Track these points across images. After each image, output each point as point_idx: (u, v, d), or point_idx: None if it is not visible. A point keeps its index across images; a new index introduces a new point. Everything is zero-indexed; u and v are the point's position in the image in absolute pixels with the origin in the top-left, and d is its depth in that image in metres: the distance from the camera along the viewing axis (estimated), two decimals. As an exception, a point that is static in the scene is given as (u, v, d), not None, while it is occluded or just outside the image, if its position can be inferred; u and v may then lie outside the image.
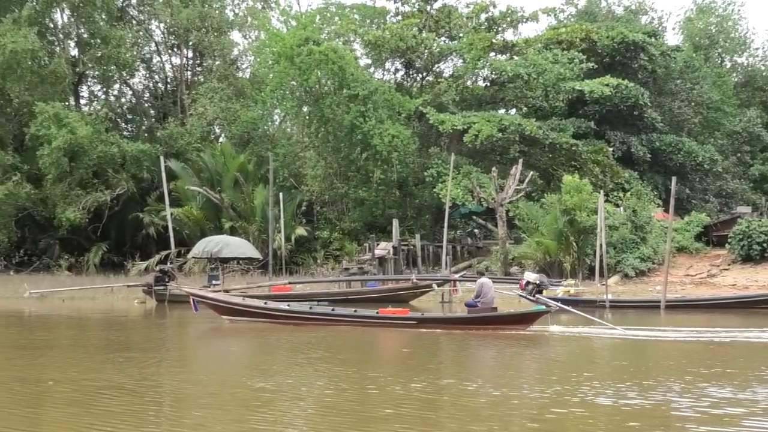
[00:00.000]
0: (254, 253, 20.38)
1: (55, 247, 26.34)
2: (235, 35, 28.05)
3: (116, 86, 28.19)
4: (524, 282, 12.94)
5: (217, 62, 26.74)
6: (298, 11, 25.41)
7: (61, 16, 26.75)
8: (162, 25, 27.29)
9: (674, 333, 10.76)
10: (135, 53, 25.63)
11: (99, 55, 24.70)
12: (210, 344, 10.77)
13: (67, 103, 25.42)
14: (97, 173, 25.24)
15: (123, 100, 28.66)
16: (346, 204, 23.82)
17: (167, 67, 28.73)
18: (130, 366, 8.05)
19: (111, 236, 25.77)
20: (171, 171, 23.41)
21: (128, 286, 21.00)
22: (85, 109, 26.70)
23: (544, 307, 11.66)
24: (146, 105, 28.65)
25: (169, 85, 28.79)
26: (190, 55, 27.91)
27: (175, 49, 27.83)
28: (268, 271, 20.82)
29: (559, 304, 12.73)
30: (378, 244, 21.76)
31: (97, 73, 26.33)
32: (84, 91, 28.10)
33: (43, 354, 9.34)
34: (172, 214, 20.91)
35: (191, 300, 13.87)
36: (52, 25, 26.22)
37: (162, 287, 18.94)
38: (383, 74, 24.56)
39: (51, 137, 23.80)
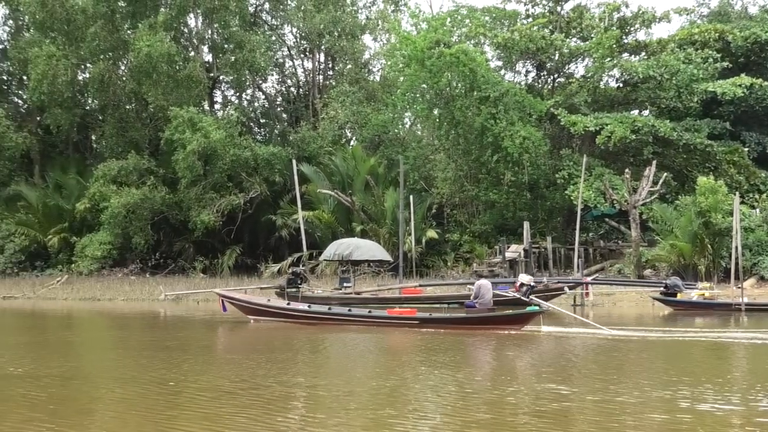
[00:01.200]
0: (385, 256, 25.75)
1: (190, 249, 34.97)
2: (366, 39, 34.72)
3: (249, 91, 36.84)
4: (518, 284, 18.07)
5: (349, 66, 34.43)
6: (429, 14, 31.60)
7: (195, 22, 37.47)
8: (294, 29, 33.69)
9: (665, 334, 14.79)
10: (268, 58, 33.18)
11: (233, 59, 33.41)
12: (336, 345, 13.75)
13: (201, 108, 35.41)
14: (231, 177, 33.80)
15: (256, 104, 37.22)
16: (476, 206, 31.90)
17: (299, 71, 37.50)
18: (261, 367, 10.47)
19: (244, 239, 35.56)
20: (303, 174, 31.82)
21: (261, 288, 26.17)
22: (219, 113, 34.48)
23: (537, 308, 16.13)
24: (279, 109, 36.54)
25: (301, 89, 36.66)
26: (322, 59, 35.54)
27: (308, 54, 34.82)
28: (399, 273, 26.77)
29: (549, 305, 17.33)
30: (509, 247, 27.59)
31: (230, 77, 35.14)
32: (218, 96, 36.87)
33: (176, 354, 12.36)
34: (304, 217, 28.56)
35: (220, 300, 19.46)
36: (186, 31, 35.17)
37: (294, 289, 22.94)
38: (514, 76, 31.13)
39: (186, 141, 31.99)
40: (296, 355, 11.95)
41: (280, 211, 33.55)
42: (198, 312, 22.95)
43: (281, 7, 38.29)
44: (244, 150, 33.09)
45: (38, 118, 40.57)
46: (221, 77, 37.96)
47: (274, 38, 38.68)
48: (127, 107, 37.10)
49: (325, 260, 27.68)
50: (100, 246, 32.66)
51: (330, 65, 39.55)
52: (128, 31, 35.55)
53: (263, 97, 40.68)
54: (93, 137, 41.36)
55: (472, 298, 17.40)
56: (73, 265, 33.19)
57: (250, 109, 39.69)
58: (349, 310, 17.66)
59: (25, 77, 39.94)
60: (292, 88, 40.90)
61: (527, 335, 14.68)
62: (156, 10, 35.09)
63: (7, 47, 41.99)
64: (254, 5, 38.93)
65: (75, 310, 22.90)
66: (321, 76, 39.17)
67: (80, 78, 38.27)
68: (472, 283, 25.11)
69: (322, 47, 37.09)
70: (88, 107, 40.44)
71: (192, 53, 36.82)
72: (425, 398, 8.02)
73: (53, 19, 35.35)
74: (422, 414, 7.26)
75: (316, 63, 38.92)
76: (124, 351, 13.42)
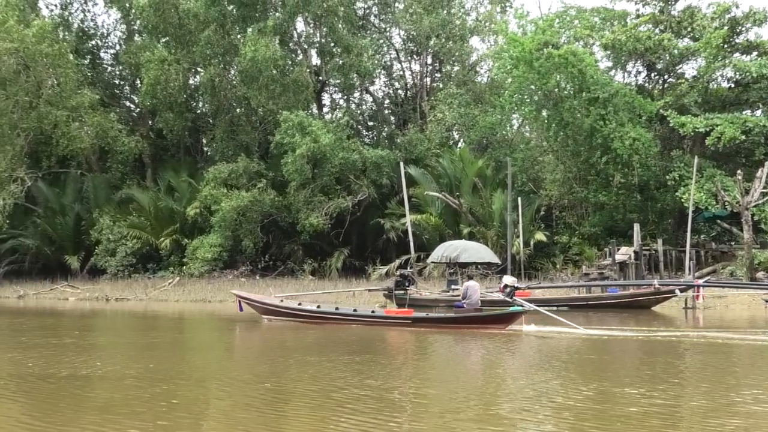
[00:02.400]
0: (493, 258, 30.37)
1: (299, 252, 40.85)
2: (474, 40, 39.83)
3: (357, 94, 41.73)
4: (503, 285, 21.71)
5: (456, 68, 38.90)
6: (537, 15, 36.95)
7: (304, 26, 43.07)
8: (402, 32, 39.35)
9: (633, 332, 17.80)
10: (376, 61, 38.24)
11: (340, 63, 38.07)
12: (441, 348, 15.84)
13: (310, 111, 41.21)
14: (339, 179, 39.53)
15: (364, 107, 41.97)
16: (585, 208, 36.53)
17: (407, 73, 42.48)
18: (370, 369, 12.12)
19: (352, 241, 40.96)
20: (410, 177, 37.12)
21: (369, 290, 30.31)
22: (328, 116, 39.61)
23: (521, 308, 19.58)
24: (386, 111, 42.28)
25: (408, 92, 42.50)
26: (430, 61, 40.49)
27: (415, 56, 40.11)
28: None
29: (532, 305, 20.56)
30: (619, 249, 31.51)
31: (338, 81, 39.74)
32: (326, 99, 41.88)
33: (288, 356, 14.32)
34: (411, 220, 33.73)
35: (237, 301, 23.96)
36: (295, 35, 39.52)
37: (402, 291, 26.73)
38: (624, 76, 34.70)
39: (295, 145, 37.70)
40: (370, 357, 13.84)
41: (387, 213, 38.55)
42: None
43: (389, 10, 43.80)
44: (353, 153, 38.14)
45: (150, 122, 47.63)
46: (329, 81, 43.56)
47: (381, 41, 44.16)
48: (237, 111, 43.08)
49: (432, 262, 32.42)
50: (211, 248, 38.37)
51: (437, 67, 44.83)
52: (238, 36, 41.17)
53: (371, 99, 46.45)
54: (204, 140, 47.78)
55: (460, 299, 21.27)
56: (184, 267, 39.06)
57: (358, 112, 45.26)
58: (354, 311, 21.69)
59: (137, 81, 46.79)
60: (400, 91, 46.56)
61: (517, 335, 17.72)
62: (266, 15, 40.79)
63: (120, 52, 49.07)
64: (362, 9, 44.62)
65: (186, 311, 26.23)
66: (428, 79, 44.60)
67: (191, 82, 44.74)
68: (582, 286, 29.86)
69: (430, 49, 42.38)
70: (199, 111, 47.15)
71: (300, 57, 42.50)
72: (547, 401, 9.34)
73: (165, 23, 41.79)
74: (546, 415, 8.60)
75: (424, 65, 44.40)
76: (231, 352, 16.28)
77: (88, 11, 51.46)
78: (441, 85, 43.00)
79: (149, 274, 40.95)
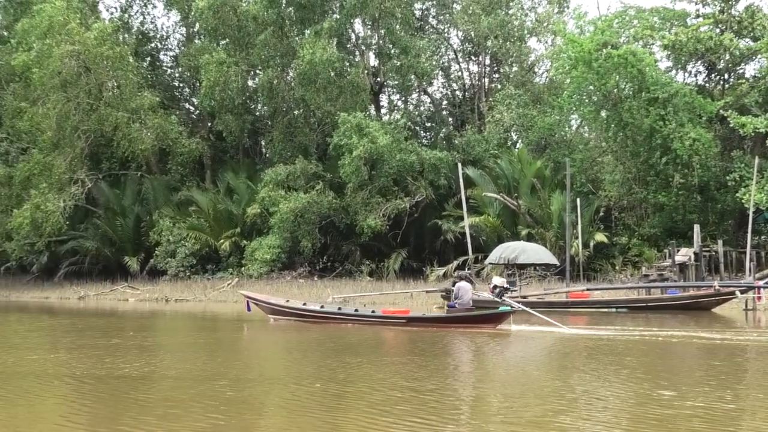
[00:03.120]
0: (551, 260, 31.27)
1: (357, 253, 42.37)
2: (531, 41, 41.15)
3: (415, 95, 42.77)
4: (492, 286, 23.91)
5: (515, 69, 39.86)
6: (596, 15, 38.14)
7: (362, 28, 45.12)
8: (460, 33, 40.88)
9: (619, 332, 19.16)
10: (434, 62, 39.55)
11: (398, 64, 39.57)
12: (496, 350, 16.78)
13: (367, 113, 42.71)
14: (397, 181, 41.13)
15: (422, 108, 43.05)
16: (645, 209, 37.73)
17: (465, 74, 43.60)
18: (413, 370, 12.92)
19: (410, 242, 42.35)
20: (468, 178, 38.56)
21: (427, 291, 31.96)
22: (385, 118, 41.06)
23: (510, 308, 21.28)
24: (444, 113, 43.33)
25: (466, 93, 43.63)
26: (488, 62, 41.43)
27: (473, 57, 41.58)
28: (566, 277, 32.72)
29: (520, 306, 22.49)
30: (678, 250, 32.44)
31: (396, 82, 41.06)
32: (384, 101, 43.39)
33: (329, 357, 15.23)
34: (469, 221, 35.00)
35: (246, 301, 25.71)
36: (353, 37, 41.12)
37: None
38: (684, 77, 35.80)
39: (352, 146, 39.23)
40: (409, 359, 14.81)
41: (445, 215, 39.92)
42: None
43: (447, 11, 45.38)
44: (410, 154, 39.56)
45: (210, 124, 49.75)
46: (387, 82, 45.32)
47: (439, 42, 45.78)
48: (295, 113, 44.82)
49: (490, 264, 33.16)
50: (270, 250, 40.01)
51: (495, 68, 46.39)
52: (296, 38, 42.82)
53: (429, 101, 48.09)
54: (263, 142, 49.74)
55: (452, 299, 22.63)
56: (243, 268, 40.77)
57: (416, 113, 46.81)
58: (356, 311, 23.41)
59: (196, 84, 48.82)
60: (458, 92, 48.20)
61: (504, 333, 19.45)
62: (324, 17, 42.46)
63: (179, 54, 51.68)
64: (420, 10, 46.24)
65: (245, 312, 26.47)
66: (487, 79, 46.18)
67: (250, 84, 46.68)
68: (643, 288, 30.90)
69: (488, 50, 43.90)
70: (258, 113, 49.22)
71: (358, 59, 44.33)
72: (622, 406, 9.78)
73: (224, 26, 43.71)
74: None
75: (482, 66, 45.99)
76: (289, 352, 17.16)
77: (148, 14, 54.51)
78: (499, 86, 44.48)
79: (208, 275, 42.71)
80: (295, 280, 39.91)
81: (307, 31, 41.87)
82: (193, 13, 45.87)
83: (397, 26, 42.58)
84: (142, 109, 45.12)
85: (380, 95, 46.55)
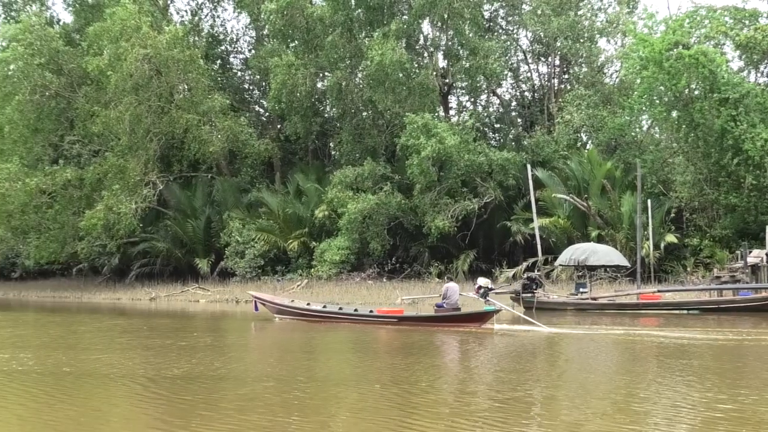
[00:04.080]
0: (622, 261, 32.68)
1: (425, 254, 44.33)
2: (601, 41, 42.74)
3: (484, 96, 44.41)
4: (477, 286, 25.58)
5: (584, 69, 41.22)
6: (666, 15, 39.06)
7: (430, 29, 46.83)
8: (529, 34, 42.57)
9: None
10: (502, 63, 41.21)
11: (467, 66, 41.12)
12: (578, 353, 17.71)
13: (435, 114, 44.42)
14: (465, 182, 42.89)
15: (491, 109, 44.62)
16: (716, 210, 38.85)
17: (534, 75, 45.27)
18: (455, 372, 14.43)
19: (479, 243, 43.37)
20: (537, 179, 40.02)
21: (496, 293, 32.83)
22: (454, 119, 42.54)
23: (494, 308, 23.74)
24: (513, 114, 44.78)
25: (536, 93, 45.10)
26: (557, 63, 42.89)
27: (542, 58, 43.09)
28: (636, 279, 33.92)
29: (503, 305, 25.00)
30: (750, 252, 33.00)
31: (464, 83, 42.45)
32: (452, 102, 45.25)
33: (375, 358, 16.78)
34: (538, 222, 36.46)
35: (254, 301, 28.76)
36: (421, 38, 42.96)
37: (529, 294, 30.13)
38: (756, 77, 36.69)
39: (420, 147, 40.95)
40: (450, 360, 16.36)
41: (514, 217, 41.40)
42: None
43: (516, 12, 47.05)
44: (479, 155, 41.09)
45: (279, 126, 52.10)
46: (456, 83, 47.16)
47: (508, 43, 47.46)
48: (364, 114, 46.83)
49: (560, 265, 34.68)
50: (339, 251, 41.86)
51: (565, 69, 47.92)
52: (365, 40, 44.74)
53: (498, 101, 49.84)
54: (331, 144, 51.99)
55: (441, 299, 25.08)
56: (312, 269, 42.64)
57: (485, 114, 48.50)
58: (356, 310, 26.37)
59: (266, 86, 51.12)
60: (527, 93, 49.90)
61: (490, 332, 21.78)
62: (392, 19, 44.22)
63: (249, 57, 54.11)
64: (489, 11, 48.00)
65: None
66: (556, 80, 47.82)
67: (319, 86, 48.70)
68: (714, 290, 31.23)
69: (557, 51, 45.44)
70: (326, 115, 51.38)
71: (426, 60, 46.14)
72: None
73: (292, 28, 45.97)
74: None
75: (551, 67, 47.65)
76: (356, 353, 18.50)
77: (218, 16, 57.06)
78: (569, 87, 46.03)
79: (278, 276, 44.58)
80: (364, 281, 41.60)
81: (376, 33, 43.48)
82: (262, 16, 47.91)
83: (466, 27, 44.33)
84: (213, 111, 47.43)
85: (449, 96, 48.36)
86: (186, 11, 56.97)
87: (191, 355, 16.81)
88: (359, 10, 45.94)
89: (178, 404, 11.58)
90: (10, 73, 48.22)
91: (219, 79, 53.80)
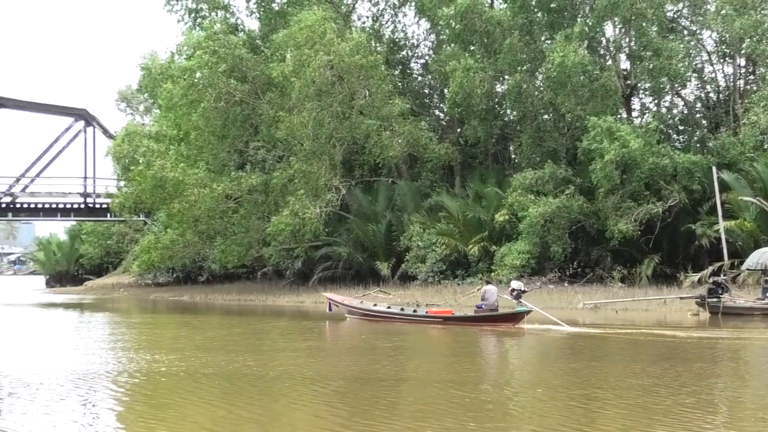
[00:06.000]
0: None
1: (607, 258, 46.67)
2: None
3: (667, 98, 46.66)
4: (510, 288, 30.32)
5: None
6: None
7: (613, 30, 49.46)
8: (714, 34, 44.92)
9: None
10: (686, 64, 43.45)
11: (650, 67, 43.48)
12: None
13: (618, 116, 47.01)
14: (649, 185, 45.13)
15: (674, 111, 47.00)
16: None
17: (719, 76, 46.91)
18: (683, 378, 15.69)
19: (663, 248, 46.03)
20: (723, 182, 41.95)
21: (681, 298, 35.48)
22: (636, 121, 45.20)
23: (525, 308, 28.80)
24: (697, 115, 46.68)
25: (720, 95, 46.73)
26: (743, 63, 44.87)
27: (727, 59, 45.14)
28: None
29: (533, 306, 29.63)
30: None
31: (648, 85, 45.08)
32: (635, 104, 47.89)
33: (572, 362, 18.75)
34: (724, 225, 38.76)
35: (328, 302, 35.41)
36: (603, 40, 45.70)
37: (715, 299, 32.17)
38: None
39: (603, 151, 43.27)
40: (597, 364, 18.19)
41: (700, 221, 43.09)
42: (617, 321, 31.21)
43: (699, 12, 48.92)
44: (663, 158, 43.12)
45: (459, 130, 55.66)
46: (638, 85, 49.59)
47: (692, 44, 49.36)
48: (544, 117, 49.78)
49: (747, 269, 36.36)
50: (519, 255, 44.55)
51: (751, 69, 49.63)
52: (545, 42, 47.87)
53: (682, 103, 51.88)
54: (511, 147, 55.15)
55: (480, 301, 30.24)
56: (492, 273, 44.93)
57: (668, 116, 50.82)
58: (414, 311, 32.30)
59: (445, 90, 54.62)
60: (712, 94, 51.70)
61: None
62: (574, 20, 47.06)
63: (429, 61, 58.00)
64: (671, 11, 50.17)
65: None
66: (741, 81, 49.56)
67: (498, 89, 52.20)
68: None
69: (743, 51, 47.35)
70: (506, 118, 54.68)
71: (609, 62, 48.89)
72: None
73: (471, 31, 49.31)
74: None
75: (736, 68, 49.41)
76: (520, 357, 21.45)
77: (399, 22, 61.03)
78: (755, 88, 47.66)
79: (458, 280, 47.37)
80: (545, 285, 43.83)
81: (557, 35, 46.18)
82: (441, 21, 51.32)
83: (649, 29, 46.68)
84: (393, 116, 51.12)
85: (631, 98, 50.96)
86: (367, 17, 61.41)
87: (375, 357, 19.51)
88: (540, 13, 49.07)
89: (358, 405, 13.07)
90: (195, 80, 53.13)
91: (399, 84, 57.69)
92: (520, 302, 29.63)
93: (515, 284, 30.87)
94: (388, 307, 33.69)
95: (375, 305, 34.24)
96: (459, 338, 26.22)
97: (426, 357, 21.62)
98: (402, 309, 33.36)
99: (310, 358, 20.71)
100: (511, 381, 16.54)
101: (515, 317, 28.89)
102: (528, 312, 28.82)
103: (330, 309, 35.28)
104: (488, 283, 33.20)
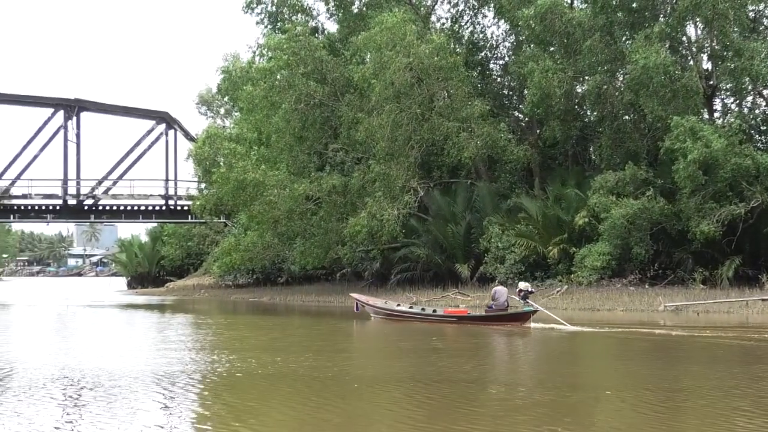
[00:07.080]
0: None
1: (689, 260, 47.36)
2: None
3: (749, 98, 47.01)
4: (518, 290, 32.70)
5: None
6: None
7: (694, 31, 50.59)
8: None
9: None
10: None
11: (732, 67, 43.68)
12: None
13: (700, 116, 47.52)
14: (731, 186, 45.55)
15: (756, 111, 47.19)
16: None
17: None
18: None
19: (744, 249, 46.61)
20: None
21: (762, 300, 36.53)
22: (718, 121, 45.76)
23: (532, 308, 31.42)
24: None
25: None
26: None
27: (809, 59, 46.31)
28: None
29: (539, 307, 32.48)
30: None
31: (729, 85, 45.56)
32: (716, 104, 48.36)
33: (648, 363, 19.83)
34: None
35: (355, 303, 38.37)
36: (684, 40, 46.73)
37: None
38: None
39: (686, 151, 43.90)
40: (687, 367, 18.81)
41: None
42: (699, 323, 31.87)
43: None
44: (745, 158, 43.48)
45: (538, 132, 56.67)
46: (720, 85, 50.17)
47: None
48: (625, 118, 50.71)
49: None
50: (600, 257, 45.30)
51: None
52: (626, 43, 48.67)
53: (764, 103, 52.13)
54: (591, 149, 56.12)
55: (489, 301, 32.84)
56: (572, 275, 46.48)
57: (750, 116, 50.96)
58: (434, 311, 34.43)
59: (525, 92, 55.54)
60: (794, 93, 52.18)
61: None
62: (654, 20, 47.94)
63: (508, 62, 59.27)
64: (753, 11, 50.59)
65: (575, 318, 33.40)
66: (825, 81, 50.00)
67: (578, 90, 53.17)
68: None
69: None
70: (586, 119, 55.65)
71: (690, 62, 49.45)
72: None
73: (551, 32, 50.21)
74: None
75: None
76: (587, 359, 22.64)
77: (478, 23, 62.24)
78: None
79: (537, 282, 48.05)
80: (626, 287, 44.91)
81: (637, 36, 46.86)
82: (520, 22, 52.07)
83: (730, 28, 47.14)
84: (472, 117, 52.06)
85: (713, 98, 51.44)
86: (446, 19, 62.70)
87: (451, 359, 20.40)
88: (620, 13, 49.88)
89: (439, 408, 13.31)
90: (275, 83, 54.83)
91: (478, 85, 58.80)
92: (527, 302, 32.27)
93: (522, 285, 33.38)
94: (410, 307, 36.66)
95: (398, 305, 37.07)
96: (491, 339, 27.86)
97: (474, 359, 22.00)
98: (423, 309, 36.02)
99: (388, 360, 22.03)
100: (586, 383, 16.96)
101: (523, 317, 31.33)
102: (534, 312, 31.43)
103: (357, 309, 38.00)
104: (500, 284, 37.74)
